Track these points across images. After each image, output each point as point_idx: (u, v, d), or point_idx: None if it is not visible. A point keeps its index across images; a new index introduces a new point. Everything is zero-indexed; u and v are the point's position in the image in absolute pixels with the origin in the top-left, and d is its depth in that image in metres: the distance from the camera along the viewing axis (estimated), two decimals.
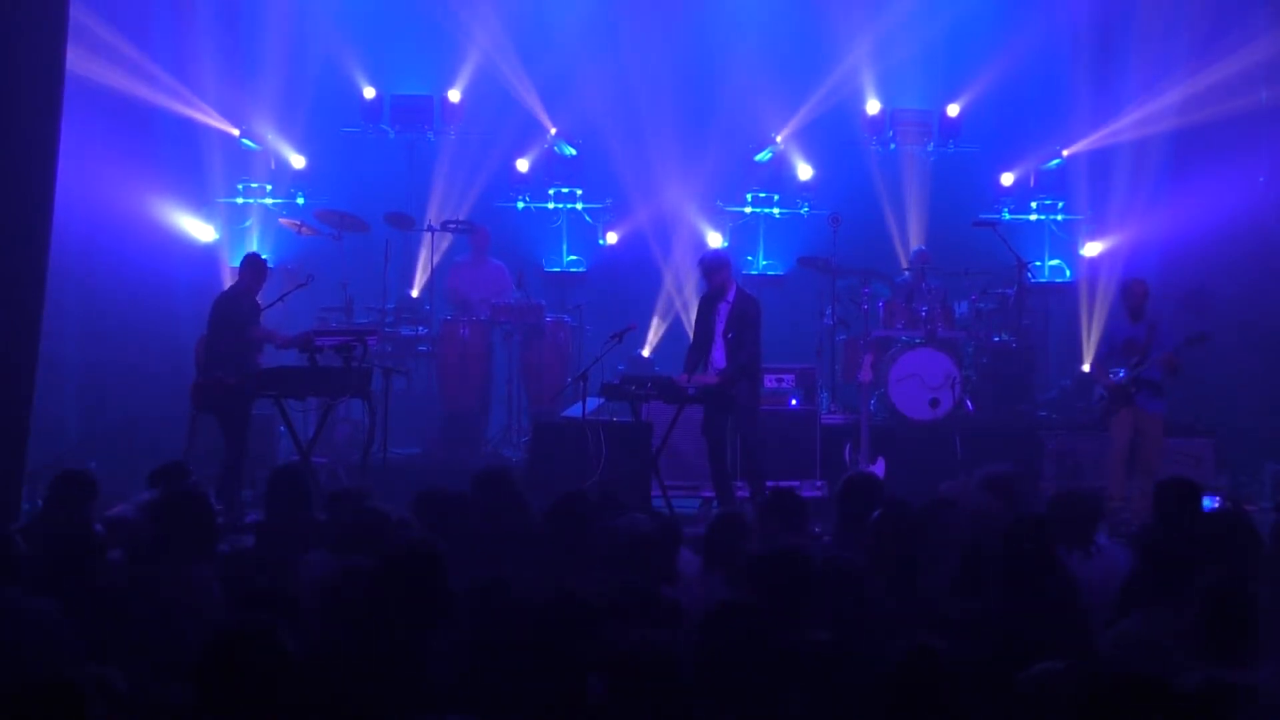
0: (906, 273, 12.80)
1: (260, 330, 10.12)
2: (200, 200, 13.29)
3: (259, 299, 10.26)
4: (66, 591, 5.10)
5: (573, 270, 14.07)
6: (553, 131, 13.93)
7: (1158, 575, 5.20)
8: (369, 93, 13.80)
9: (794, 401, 11.39)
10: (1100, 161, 13.70)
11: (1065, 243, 14.04)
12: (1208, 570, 4.96)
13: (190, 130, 13.13)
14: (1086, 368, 12.59)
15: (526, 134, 13.94)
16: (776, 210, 14.08)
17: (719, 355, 9.89)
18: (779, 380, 11.30)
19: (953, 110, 13.93)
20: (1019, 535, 5.15)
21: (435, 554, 4.88)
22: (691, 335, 10.36)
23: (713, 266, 10.07)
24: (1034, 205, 13.96)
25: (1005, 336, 12.33)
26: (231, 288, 10.40)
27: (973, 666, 4.32)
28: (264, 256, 10.64)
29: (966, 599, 5.16)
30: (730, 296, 9.96)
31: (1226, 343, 10.84)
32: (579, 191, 14.01)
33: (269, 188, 13.62)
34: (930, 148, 14.06)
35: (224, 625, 4.05)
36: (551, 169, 14.06)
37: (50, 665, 4.34)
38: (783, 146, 14.05)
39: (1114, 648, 4.83)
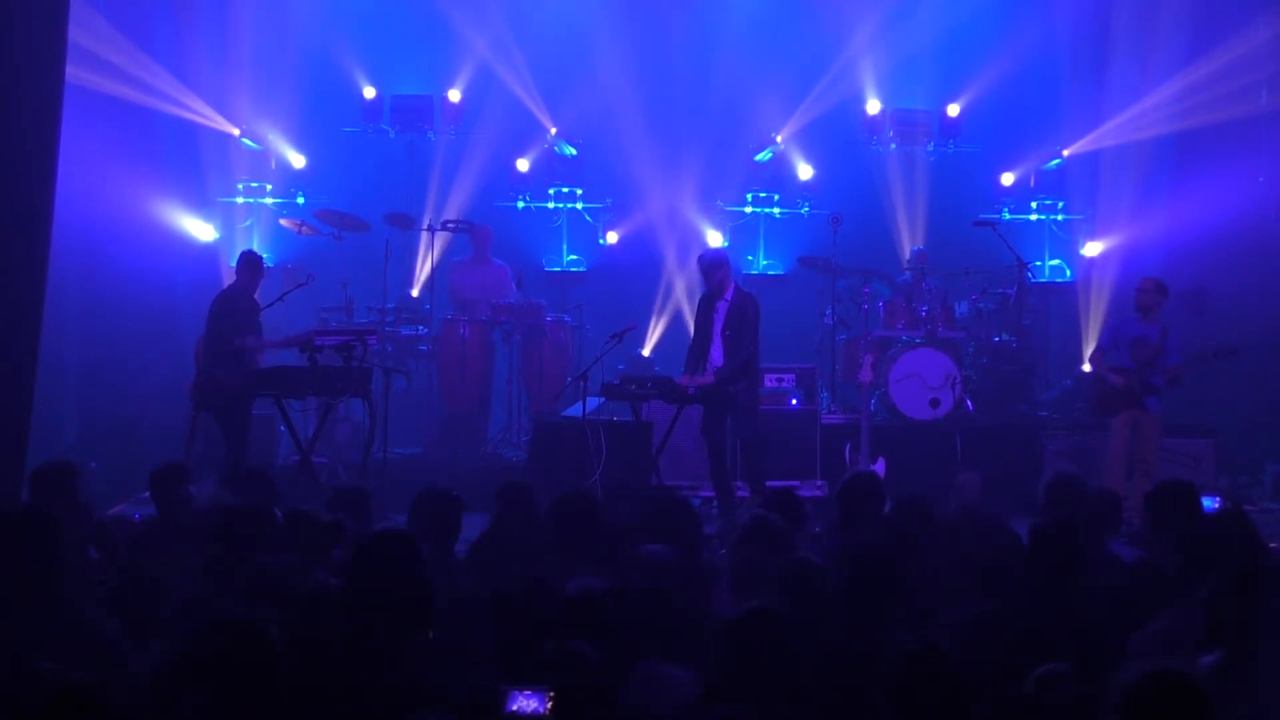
0: (907, 273, 12.81)
1: (249, 341, 10.04)
2: (200, 200, 13.30)
3: (258, 297, 10.26)
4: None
5: (573, 270, 14.07)
6: (553, 131, 13.93)
7: (1171, 578, 5.22)
8: (369, 93, 13.80)
9: (794, 401, 11.39)
10: (1100, 162, 13.71)
11: (1065, 243, 14.04)
12: (1206, 577, 4.97)
13: (190, 130, 13.13)
14: (1087, 367, 12.59)
15: (526, 134, 13.94)
16: (777, 210, 14.08)
17: (717, 354, 9.89)
18: (779, 380, 11.29)
19: (953, 110, 13.93)
20: (1049, 536, 5.13)
21: (411, 541, 4.82)
22: (691, 334, 10.36)
23: (711, 265, 10.08)
24: (1034, 205, 13.96)
25: (1006, 336, 12.33)
26: (230, 287, 10.40)
27: (990, 668, 4.32)
28: (260, 254, 10.65)
29: (984, 599, 5.16)
30: (729, 295, 9.95)
31: (1226, 343, 10.83)
32: (579, 191, 14.01)
33: (269, 187, 13.62)
34: (930, 148, 14.05)
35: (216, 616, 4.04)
36: (552, 169, 14.06)
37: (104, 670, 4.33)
38: (783, 146, 14.05)
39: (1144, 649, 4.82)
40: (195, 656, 3.88)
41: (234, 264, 10.57)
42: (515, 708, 3.92)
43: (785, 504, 6.65)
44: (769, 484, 9.62)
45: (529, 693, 3.94)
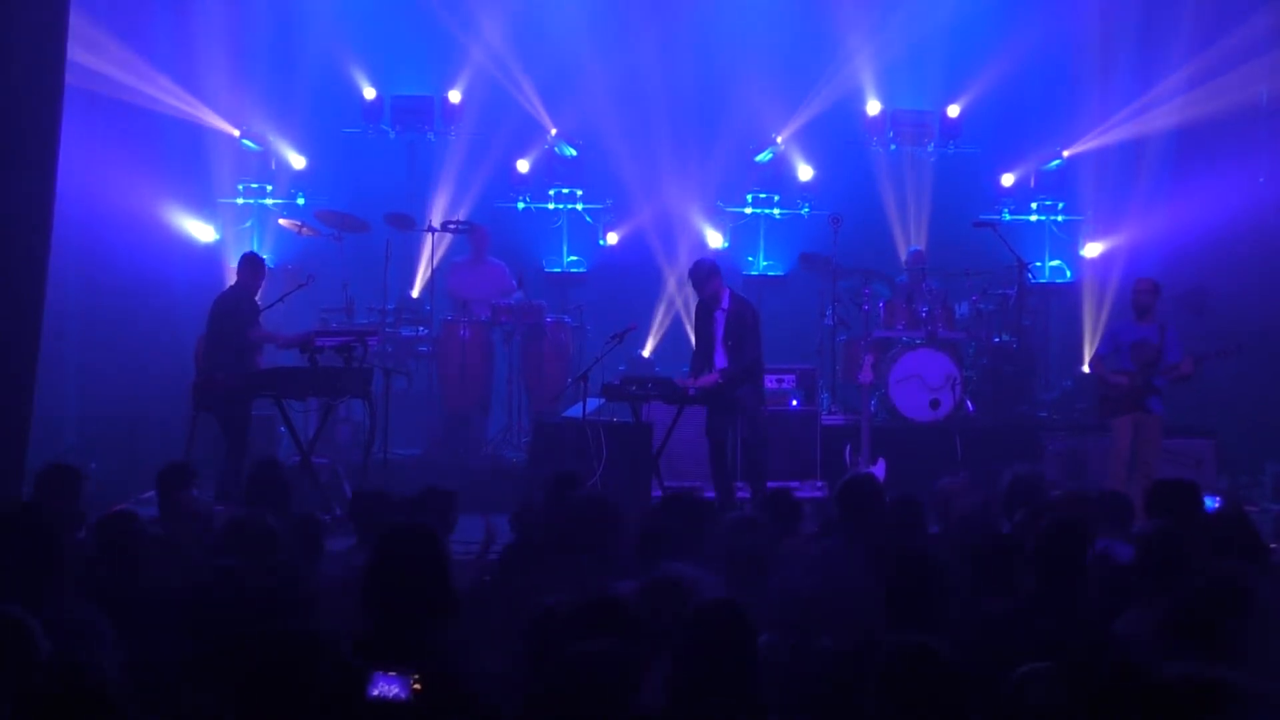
0: (905, 273, 12.81)
1: (260, 331, 10.13)
2: (201, 201, 13.29)
3: (258, 298, 10.27)
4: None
5: (573, 271, 14.06)
6: (553, 132, 13.93)
7: (1155, 574, 5.23)
8: (369, 93, 13.80)
9: (795, 402, 11.39)
10: (1101, 162, 13.71)
11: (1065, 243, 14.04)
12: (1195, 571, 4.98)
13: (191, 131, 13.13)
14: (1087, 368, 12.58)
15: (526, 134, 13.94)
16: (777, 211, 14.08)
17: (720, 361, 9.86)
18: (780, 381, 11.29)
19: (953, 111, 13.93)
20: (1057, 534, 5.12)
21: (433, 536, 4.75)
22: (693, 341, 10.34)
23: (703, 276, 9.84)
24: (1034, 206, 13.96)
25: (1006, 337, 12.33)
26: (231, 288, 10.42)
27: (995, 667, 4.30)
28: (261, 255, 10.65)
29: (992, 598, 5.16)
30: (725, 304, 9.84)
31: (1228, 344, 10.85)
32: (579, 192, 14.00)
33: (269, 188, 13.61)
34: (930, 148, 14.05)
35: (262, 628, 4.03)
36: (552, 169, 14.05)
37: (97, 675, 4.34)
38: (783, 147, 14.05)
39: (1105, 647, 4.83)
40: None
41: (235, 264, 10.59)
42: (377, 692, 3.86)
43: (780, 505, 6.67)
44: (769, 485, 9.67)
45: (391, 676, 3.88)
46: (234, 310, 10.04)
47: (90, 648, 4.71)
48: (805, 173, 14.06)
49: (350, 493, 9.55)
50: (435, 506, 6.46)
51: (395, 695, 3.82)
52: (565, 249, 14.11)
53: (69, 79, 8.43)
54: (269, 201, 13.59)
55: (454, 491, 6.68)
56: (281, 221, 13.03)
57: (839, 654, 4.54)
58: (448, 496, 6.59)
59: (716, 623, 4.21)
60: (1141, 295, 10.32)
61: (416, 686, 3.84)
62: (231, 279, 10.63)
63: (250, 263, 10.32)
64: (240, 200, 13.57)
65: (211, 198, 13.40)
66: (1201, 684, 3.55)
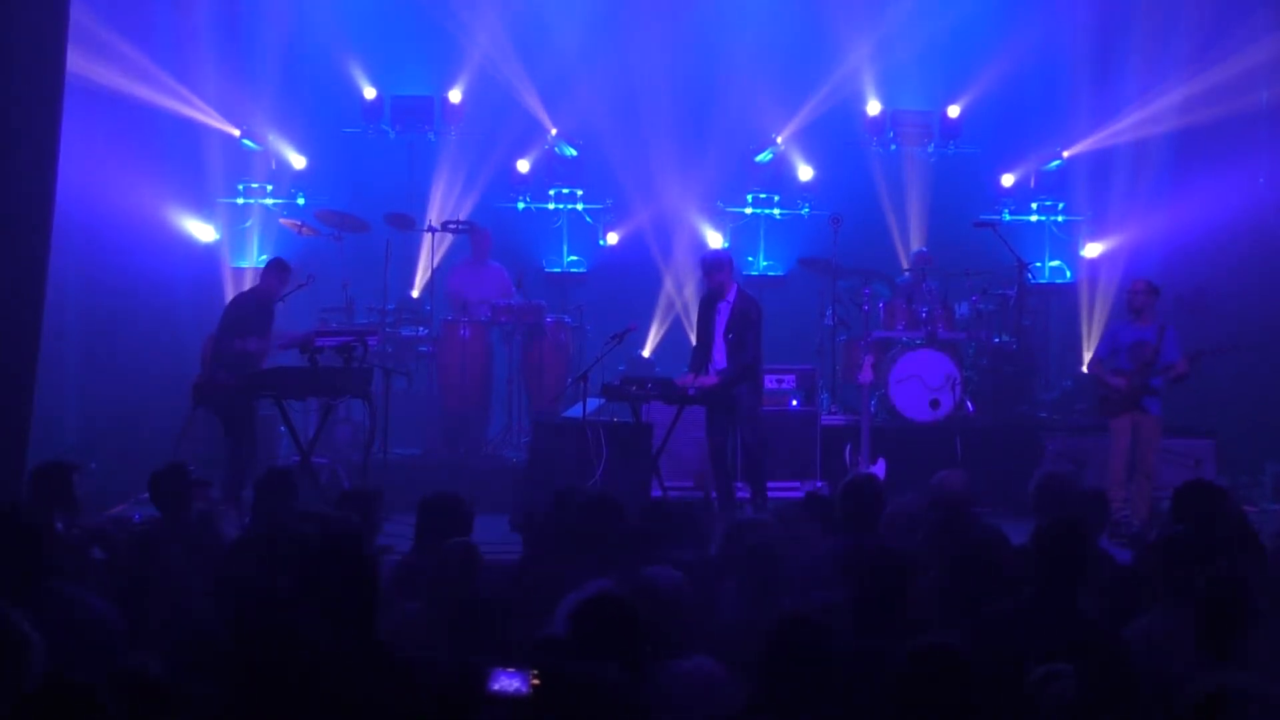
0: (907, 273, 12.82)
1: (254, 342, 10.04)
2: (201, 201, 13.29)
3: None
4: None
5: (573, 271, 14.06)
6: (553, 132, 13.92)
7: (1177, 573, 5.23)
8: (369, 93, 13.80)
9: (795, 402, 11.39)
10: (1101, 162, 13.71)
11: (1065, 244, 14.04)
12: (1205, 570, 4.99)
13: (191, 131, 13.12)
14: (1086, 369, 12.59)
15: (527, 134, 13.93)
16: (777, 211, 14.08)
17: (720, 356, 9.89)
18: (780, 381, 11.29)
19: (953, 111, 13.93)
20: (1056, 534, 5.13)
21: (357, 537, 4.76)
22: (693, 337, 10.36)
23: (713, 265, 10.07)
24: (1034, 206, 13.96)
25: (1006, 337, 12.33)
26: (250, 290, 10.51)
27: (996, 666, 4.31)
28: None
29: (994, 598, 5.16)
30: (730, 297, 9.96)
31: (1230, 340, 10.86)
32: (579, 192, 14.00)
33: (269, 188, 13.60)
34: (931, 148, 14.05)
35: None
36: (552, 169, 14.05)
37: (104, 660, 4.36)
38: (783, 147, 14.05)
39: (1136, 646, 4.83)
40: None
41: (236, 265, 10.61)
42: (497, 687, 3.88)
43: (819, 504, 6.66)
44: (769, 485, 9.70)
45: (511, 672, 3.90)
46: (239, 313, 10.11)
47: (96, 644, 4.72)
48: (805, 173, 14.06)
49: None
50: (450, 510, 6.42)
51: (516, 690, 3.85)
52: (565, 249, 14.11)
53: (69, 79, 8.43)
54: (269, 201, 13.59)
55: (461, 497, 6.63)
56: (282, 221, 13.03)
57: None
58: (458, 501, 6.53)
59: (799, 637, 4.19)
60: (1136, 296, 10.33)
61: (536, 682, 3.87)
62: (231, 280, 10.63)
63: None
64: (240, 200, 13.56)
65: (211, 198, 13.39)
66: (1214, 691, 3.55)
